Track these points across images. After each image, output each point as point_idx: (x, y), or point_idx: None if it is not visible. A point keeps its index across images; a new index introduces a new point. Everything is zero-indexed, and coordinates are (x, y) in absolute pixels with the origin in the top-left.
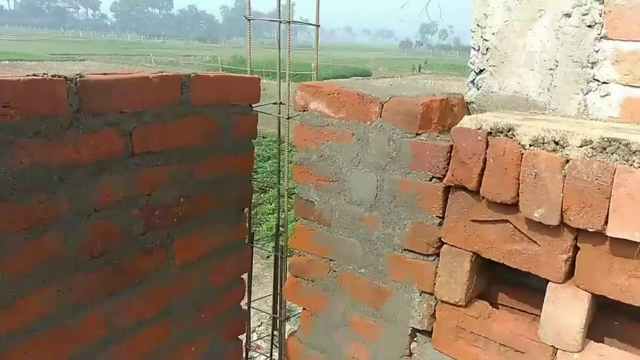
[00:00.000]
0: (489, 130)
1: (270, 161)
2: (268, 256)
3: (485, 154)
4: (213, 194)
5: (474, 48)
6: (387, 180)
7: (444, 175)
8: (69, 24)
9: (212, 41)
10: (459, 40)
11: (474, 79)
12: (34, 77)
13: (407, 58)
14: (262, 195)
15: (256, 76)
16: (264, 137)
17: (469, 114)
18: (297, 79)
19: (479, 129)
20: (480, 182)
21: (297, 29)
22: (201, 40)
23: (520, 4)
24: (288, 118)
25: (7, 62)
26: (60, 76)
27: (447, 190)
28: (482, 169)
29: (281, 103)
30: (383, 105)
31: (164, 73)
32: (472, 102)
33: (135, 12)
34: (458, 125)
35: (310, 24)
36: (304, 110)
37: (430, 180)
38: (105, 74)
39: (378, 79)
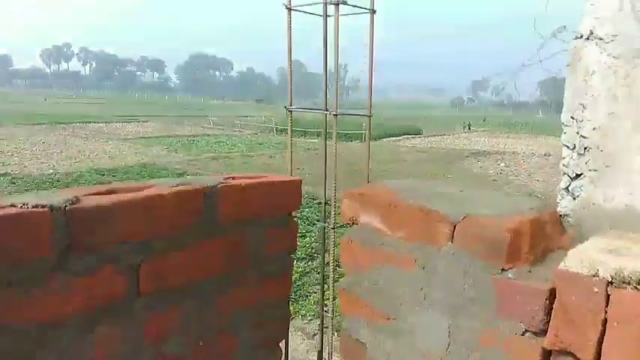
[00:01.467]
0: (610, 279)
1: (319, 224)
2: (314, 335)
3: (606, 312)
4: (242, 331)
5: (567, 146)
6: (463, 327)
7: (543, 330)
8: (136, 86)
9: (268, 102)
10: (510, 97)
11: (569, 186)
12: (6, 211)
13: (458, 115)
14: (310, 263)
15: (297, 177)
16: (313, 199)
17: (565, 232)
18: (347, 138)
19: (594, 276)
20: (599, 353)
21: (349, 87)
22: (258, 101)
23: (630, 92)
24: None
25: (78, 124)
26: (43, 206)
27: (548, 353)
28: (602, 335)
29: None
30: (455, 226)
31: (183, 187)
32: (567, 215)
33: (197, 74)
34: (562, 266)
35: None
36: (353, 223)
37: (523, 334)
38: (108, 191)
39: (429, 137)
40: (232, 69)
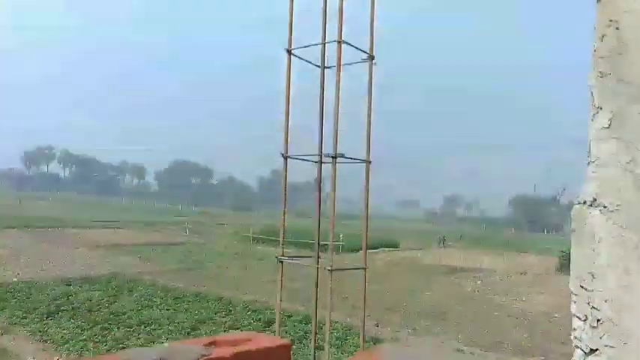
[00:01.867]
0: None
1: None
2: None
3: None
4: None
5: (577, 317)
6: None
7: None
8: (115, 191)
9: (246, 209)
10: (484, 212)
11: None
12: None
13: (432, 230)
14: None
15: (286, 341)
16: (289, 316)
17: None
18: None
19: None
20: None
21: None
22: (236, 209)
23: None
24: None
25: (50, 229)
26: None
27: None
28: None
29: None
30: None
31: None
32: None
33: (176, 181)
34: None
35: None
36: None
37: None
38: None
39: (406, 250)
40: (212, 177)
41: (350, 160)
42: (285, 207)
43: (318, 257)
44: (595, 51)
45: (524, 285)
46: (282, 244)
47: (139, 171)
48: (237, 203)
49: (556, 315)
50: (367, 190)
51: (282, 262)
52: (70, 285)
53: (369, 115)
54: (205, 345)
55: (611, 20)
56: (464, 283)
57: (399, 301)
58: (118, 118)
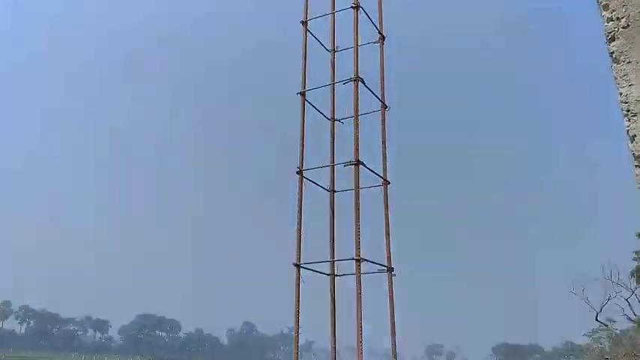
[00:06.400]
0: None
1: None
2: None
3: None
4: None
5: None
6: None
7: None
8: (74, 346)
9: None
10: None
11: None
12: None
13: None
14: None
15: None
16: None
17: None
18: None
19: None
20: None
21: (306, 349)
22: None
23: None
24: None
25: None
26: None
27: None
28: None
29: None
30: None
31: None
32: None
33: (142, 335)
34: None
35: None
36: None
37: None
38: None
39: None
40: (180, 330)
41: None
42: (300, 217)
43: (334, 259)
44: None
45: None
46: (299, 250)
47: (102, 325)
48: (205, 357)
49: None
50: (387, 217)
51: (302, 177)
52: None
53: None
54: None
55: None
56: None
57: None
58: (81, 274)
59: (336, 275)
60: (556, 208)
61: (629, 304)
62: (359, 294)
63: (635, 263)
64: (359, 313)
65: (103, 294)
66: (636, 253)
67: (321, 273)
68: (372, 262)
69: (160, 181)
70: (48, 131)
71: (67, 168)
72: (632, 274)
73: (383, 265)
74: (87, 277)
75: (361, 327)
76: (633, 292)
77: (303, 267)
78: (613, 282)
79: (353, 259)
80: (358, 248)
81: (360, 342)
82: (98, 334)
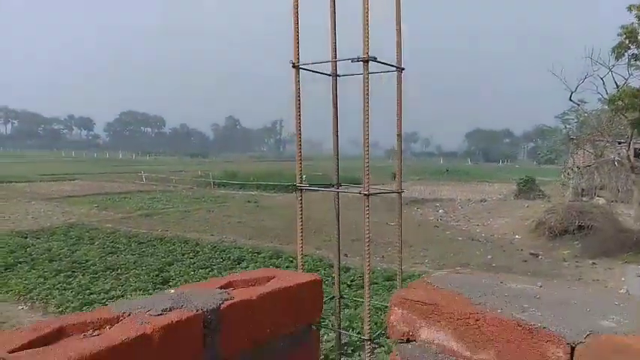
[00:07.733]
0: None
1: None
2: None
3: None
4: None
5: None
6: None
7: None
8: (62, 145)
9: (203, 156)
10: (440, 148)
11: None
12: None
13: (391, 166)
14: None
15: (316, 276)
16: (258, 253)
17: None
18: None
19: None
20: None
21: (286, 141)
22: (192, 156)
23: None
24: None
25: None
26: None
27: None
28: None
29: None
30: (574, 349)
31: (171, 318)
32: None
33: (128, 132)
34: None
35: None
36: (408, 340)
37: None
38: None
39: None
40: (165, 125)
41: (383, 66)
42: (299, 118)
43: (339, 184)
44: None
45: (484, 211)
46: (300, 173)
47: (87, 123)
48: (193, 151)
49: (517, 236)
50: (400, 105)
51: (301, 189)
52: (27, 237)
53: (399, 23)
54: (221, 287)
55: None
56: (426, 213)
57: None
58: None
59: (338, 75)
60: None
61: (604, 83)
62: (366, 96)
63: (620, 38)
64: (366, 113)
65: (84, 92)
66: (622, 27)
67: (322, 73)
68: (383, 62)
69: None
70: None
71: None
72: (613, 49)
73: (392, 66)
74: (65, 76)
75: (367, 135)
76: (610, 69)
77: (301, 68)
78: (592, 59)
79: (359, 59)
80: (367, 46)
81: (366, 144)
82: (84, 132)
